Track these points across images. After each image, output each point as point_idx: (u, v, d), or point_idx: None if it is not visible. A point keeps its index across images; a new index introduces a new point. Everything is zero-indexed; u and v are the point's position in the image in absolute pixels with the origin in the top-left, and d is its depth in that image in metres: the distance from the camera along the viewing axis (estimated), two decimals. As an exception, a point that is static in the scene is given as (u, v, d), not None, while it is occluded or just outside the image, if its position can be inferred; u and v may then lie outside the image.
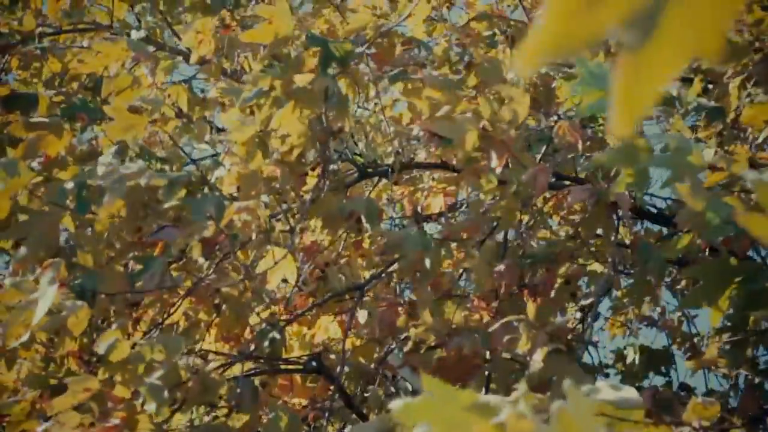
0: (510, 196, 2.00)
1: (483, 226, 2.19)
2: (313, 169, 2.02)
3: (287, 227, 2.09)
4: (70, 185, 1.80)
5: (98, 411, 1.83)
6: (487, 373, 2.33)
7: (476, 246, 2.63)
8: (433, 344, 2.32)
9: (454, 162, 2.06)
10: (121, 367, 1.73)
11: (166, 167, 2.00)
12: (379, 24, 2.00)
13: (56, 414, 2.14)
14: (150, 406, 1.69)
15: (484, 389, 2.37)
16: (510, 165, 1.95)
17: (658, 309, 3.00)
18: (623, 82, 0.44)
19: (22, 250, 1.83)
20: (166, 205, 1.77)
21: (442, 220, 2.78)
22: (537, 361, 1.78)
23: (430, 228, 2.86)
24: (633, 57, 0.45)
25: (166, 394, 1.67)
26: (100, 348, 1.74)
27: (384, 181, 2.66)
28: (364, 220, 2.04)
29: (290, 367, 2.85)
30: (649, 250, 2.29)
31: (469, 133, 1.78)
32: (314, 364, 2.81)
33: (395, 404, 0.60)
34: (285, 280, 2.49)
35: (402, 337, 2.46)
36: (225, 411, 2.14)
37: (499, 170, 2.02)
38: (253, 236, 1.91)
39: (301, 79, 1.82)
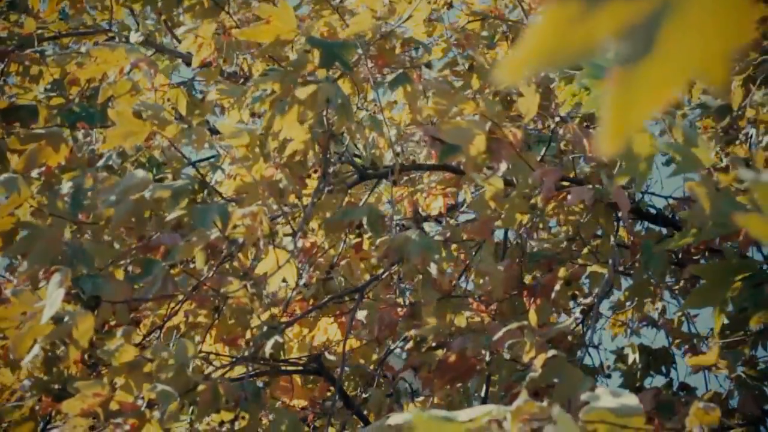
0: (518, 197, 1.98)
1: (490, 226, 2.18)
2: (315, 172, 2.01)
3: (290, 231, 2.08)
4: (66, 188, 1.79)
5: (104, 416, 1.82)
6: (488, 374, 2.32)
7: (475, 247, 2.62)
8: (434, 344, 2.32)
9: (459, 164, 2.04)
10: (127, 371, 1.72)
11: (167, 173, 1.99)
12: (379, 25, 1.99)
13: (63, 417, 2.14)
14: (157, 413, 1.68)
15: (484, 390, 2.36)
16: (514, 165, 1.94)
17: (659, 308, 2.99)
18: (616, 98, 0.42)
19: (26, 263, 1.82)
20: (169, 217, 1.76)
21: (443, 221, 2.77)
22: (536, 366, 1.78)
23: (431, 228, 2.85)
24: (628, 72, 0.43)
25: (177, 398, 1.66)
26: (106, 353, 1.73)
27: (384, 182, 2.65)
28: (366, 227, 2.03)
29: (290, 368, 2.84)
30: (650, 250, 2.28)
31: (477, 137, 1.77)
32: (314, 365, 2.80)
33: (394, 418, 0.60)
34: (285, 281, 2.48)
35: (403, 337, 2.45)
36: (230, 416, 2.13)
37: (502, 170, 2.01)
38: (259, 242, 1.90)
39: (304, 92, 1.80)
